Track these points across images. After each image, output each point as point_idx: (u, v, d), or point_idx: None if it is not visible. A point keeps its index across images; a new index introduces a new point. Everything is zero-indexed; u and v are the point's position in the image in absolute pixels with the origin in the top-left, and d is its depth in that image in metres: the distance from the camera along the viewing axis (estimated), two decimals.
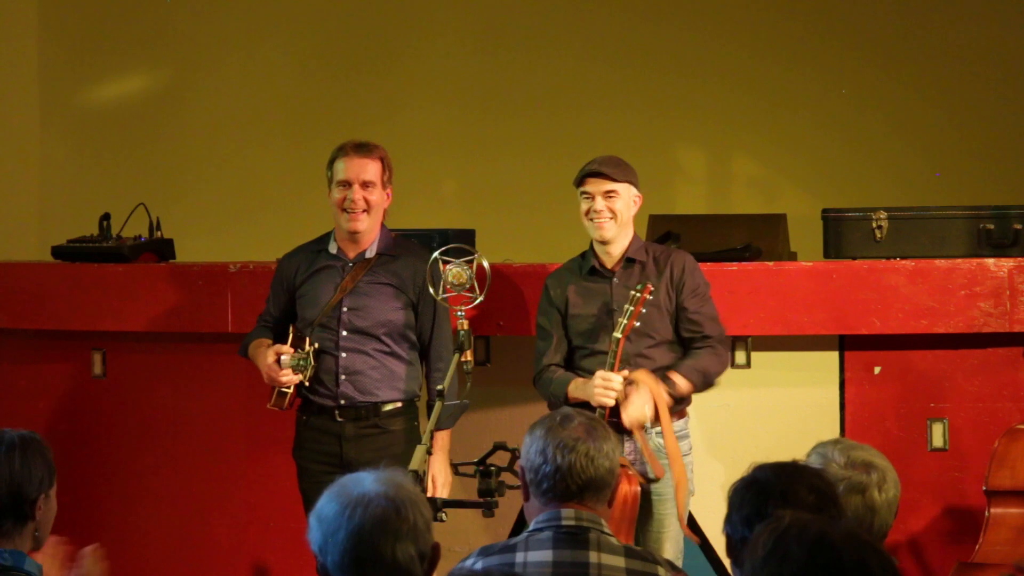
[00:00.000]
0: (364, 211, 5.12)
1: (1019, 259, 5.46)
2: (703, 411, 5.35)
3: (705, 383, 5.03)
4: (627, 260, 5.07)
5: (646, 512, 4.98)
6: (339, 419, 5.12)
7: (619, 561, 3.32)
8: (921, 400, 5.55)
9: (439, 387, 4.61)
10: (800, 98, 8.00)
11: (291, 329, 5.18)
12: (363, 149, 5.14)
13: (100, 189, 7.76)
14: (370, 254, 5.18)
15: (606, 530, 3.36)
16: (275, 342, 5.19)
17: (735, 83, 7.98)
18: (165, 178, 7.96)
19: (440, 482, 5.07)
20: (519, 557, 3.31)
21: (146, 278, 5.91)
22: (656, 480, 4.93)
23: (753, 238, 5.70)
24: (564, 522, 3.33)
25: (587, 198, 5.03)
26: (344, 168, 5.12)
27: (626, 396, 4.85)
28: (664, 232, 5.58)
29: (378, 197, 5.14)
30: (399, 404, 5.15)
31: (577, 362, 5.11)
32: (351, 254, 5.20)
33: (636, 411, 4.85)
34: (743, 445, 5.50)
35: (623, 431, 4.85)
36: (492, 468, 4.06)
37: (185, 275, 5.88)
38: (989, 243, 5.60)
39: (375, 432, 5.12)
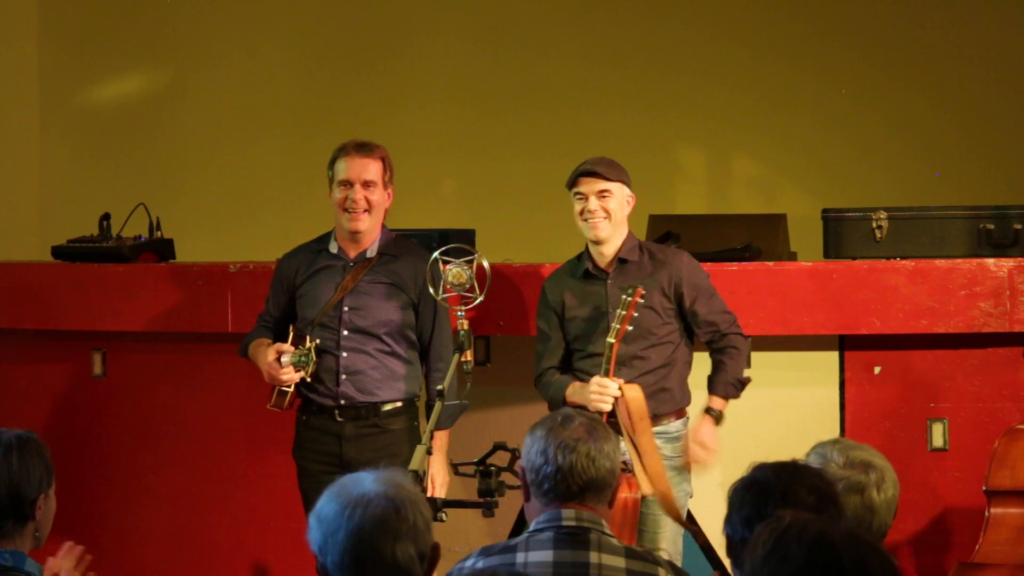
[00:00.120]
0: (365, 211, 5.12)
1: (1019, 259, 5.46)
2: (702, 411, 5.34)
3: (741, 386, 5.11)
4: (620, 261, 5.07)
5: (641, 514, 4.99)
6: (339, 419, 5.12)
7: (620, 562, 3.32)
8: (921, 400, 5.55)
9: (439, 387, 4.61)
10: (800, 98, 8.00)
11: (291, 329, 5.18)
12: (364, 149, 5.14)
13: (100, 189, 7.76)
14: (371, 254, 5.18)
15: (607, 531, 3.36)
16: (275, 342, 5.19)
17: (735, 83, 7.98)
18: (165, 178, 7.95)
19: (439, 482, 5.07)
20: (519, 557, 3.31)
21: (146, 278, 5.91)
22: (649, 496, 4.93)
23: (753, 238, 5.71)
24: (565, 522, 3.33)
25: (580, 199, 5.03)
26: (345, 168, 5.12)
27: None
28: (664, 232, 5.58)
29: (379, 197, 5.14)
30: (399, 404, 5.15)
31: (575, 364, 5.11)
32: (352, 254, 5.20)
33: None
34: (743, 445, 5.50)
35: (619, 432, 4.85)
36: (492, 468, 4.06)
37: (185, 275, 5.88)
38: (989, 243, 5.60)
39: (375, 432, 5.12)
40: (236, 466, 5.94)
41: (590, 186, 5.02)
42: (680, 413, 5.09)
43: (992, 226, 5.61)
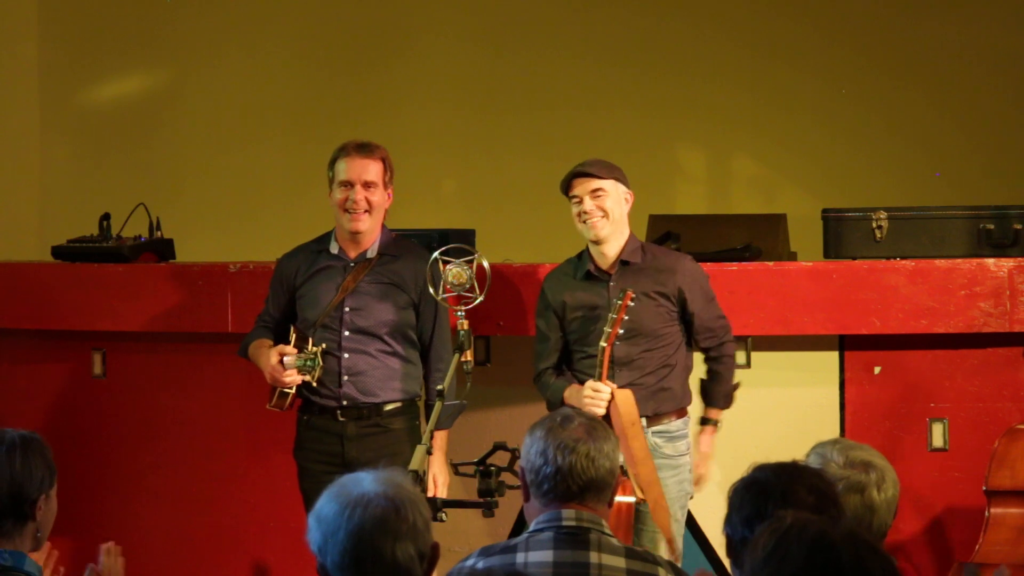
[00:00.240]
0: (366, 211, 5.12)
1: (1019, 259, 5.46)
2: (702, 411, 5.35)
3: (734, 393, 5.22)
4: (622, 263, 5.06)
5: (641, 512, 4.99)
6: (341, 419, 5.12)
7: (620, 562, 3.32)
8: (921, 400, 5.55)
9: (439, 387, 4.61)
10: (800, 98, 8.00)
11: (292, 329, 5.18)
12: (365, 149, 5.14)
13: (100, 189, 7.76)
14: (371, 254, 5.18)
15: (607, 531, 3.36)
16: (275, 342, 5.19)
17: (735, 83, 7.98)
18: (165, 178, 7.95)
19: (441, 481, 5.07)
20: (520, 557, 3.31)
21: (146, 278, 5.91)
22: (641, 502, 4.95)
23: (753, 238, 5.70)
24: (565, 523, 3.33)
25: (576, 201, 5.03)
26: (346, 168, 5.12)
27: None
28: (664, 232, 5.57)
29: (380, 198, 5.14)
30: (401, 403, 5.15)
31: (575, 365, 5.11)
32: (352, 254, 5.20)
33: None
34: (743, 445, 5.50)
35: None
36: (492, 468, 4.06)
37: (185, 275, 5.88)
38: (989, 243, 5.60)
39: (377, 431, 5.12)
40: (236, 466, 5.94)
41: (583, 187, 5.01)
42: (681, 412, 5.10)
43: (992, 226, 5.61)
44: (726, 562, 3.07)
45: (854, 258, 5.63)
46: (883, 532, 3.31)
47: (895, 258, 5.58)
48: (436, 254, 4.77)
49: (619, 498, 4.65)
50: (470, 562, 3.35)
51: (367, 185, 5.11)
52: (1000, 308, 5.42)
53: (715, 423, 5.19)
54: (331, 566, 2.72)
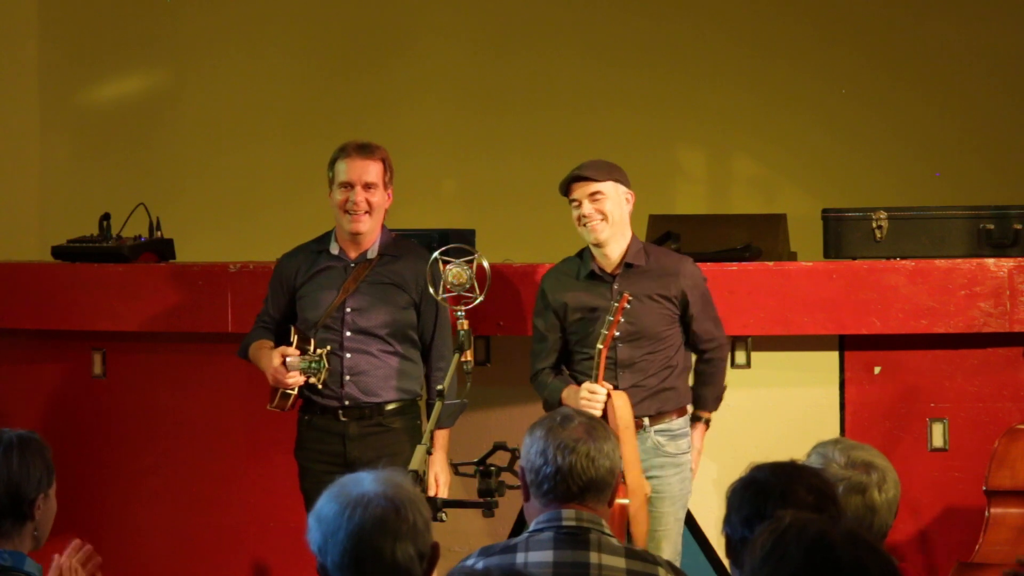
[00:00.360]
0: (366, 212, 5.12)
1: (1019, 259, 5.46)
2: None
3: (721, 399, 5.25)
4: (626, 265, 5.06)
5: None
6: (343, 419, 5.12)
7: (620, 562, 3.32)
8: (921, 400, 5.55)
9: (439, 387, 4.61)
10: (800, 98, 8.00)
11: (293, 330, 5.17)
12: (365, 150, 5.14)
13: (100, 189, 7.76)
14: (372, 255, 5.18)
15: (607, 531, 3.36)
16: (276, 343, 5.19)
17: (735, 83, 7.98)
18: (165, 178, 7.95)
19: (443, 480, 5.08)
20: (520, 558, 3.31)
21: (146, 278, 5.91)
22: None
23: (753, 238, 5.70)
24: (565, 522, 3.32)
25: (575, 205, 5.03)
26: (346, 169, 5.12)
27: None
28: (664, 232, 5.57)
29: (380, 198, 5.15)
30: (402, 403, 5.15)
31: (575, 366, 5.11)
32: (353, 255, 5.20)
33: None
34: (743, 445, 5.50)
35: None
36: (492, 468, 4.05)
37: (185, 275, 5.88)
38: (989, 243, 5.60)
39: (379, 431, 5.12)
40: (236, 466, 5.94)
41: (582, 190, 5.01)
42: (682, 411, 5.12)
43: (992, 226, 5.60)
44: (726, 562, 3.07)
45: (854, 258, 5.63)
46: (884, 532, 3.31)
47: (895, 258, 5.58)
48: (436, 254, 4.76)
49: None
50: (470, 562, 3.35)
51: (367, 186, 5.11)
52: (1000, 308, 5.42)
53: (706, 421, 5.22)
54: (331, 566, 2.72)
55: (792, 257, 5.85)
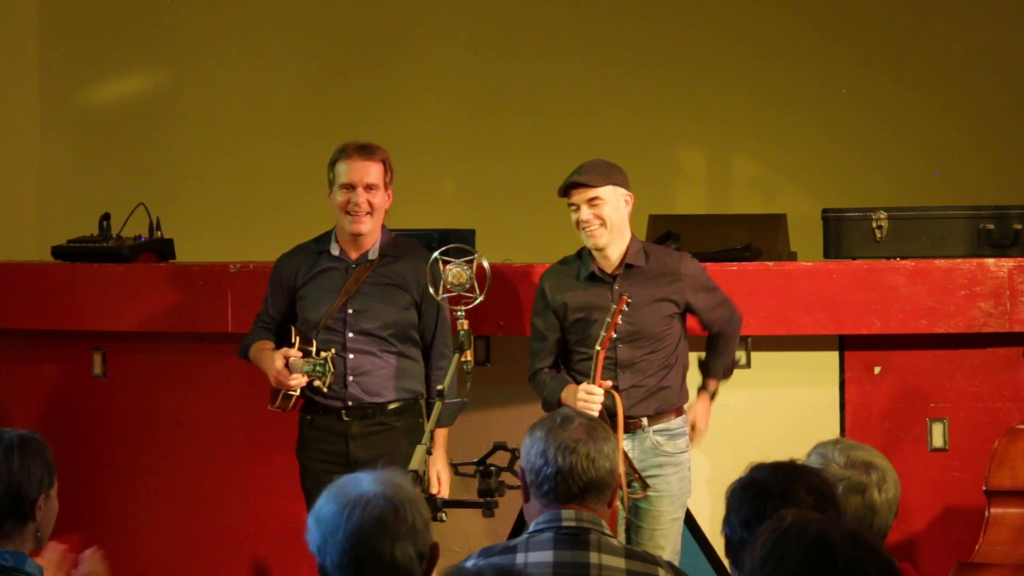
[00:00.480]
0: (368, 214, 5.12)
1: (1019, 259, 5.46)
2: None
3: (733, 369, 5.28)
4: (626, 266, 5.06)
5: (640, 509, 5.01)
6: (345, 419, 5.13)
7: (619, 562, 3.32)
8: (921, 400, 5.55)
9: (439, 387, 4.61)
10: (801, 98, 8.00)
11: (293, 331, 5.17)
12: (366, 151, 5.14)
13: (100, 189, 7.76)
14: (372, 255, 5.19)
15: (606, 531, 3.36)
16: (276, 343, 5.20)
17: (735, 83, 7.98)
18: (165, 178, 7.95)
19: (445, 479, 5.08)
20: (519, 558, 3.31)
21: (146, 278, 5.91)
22: (641, 495, 4.97)
23: (753, 238, 5.70)
24: (564, 523, 3.33)
25: (574, 209, 5.03)
26: (347, 171, 5.12)
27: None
28: (664, 232, 5.57)
29: (381, 199, 5.15)
30: (404, 402, 5.16)
31: (574, 366, 5.11)
32: (353, 255, 5.20)
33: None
34: (743, 445, 5.50)
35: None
36: (492, 468, 4.06)
37: (185, 275, 5.88)
38: (989, 243, 5.60)
39: (381, 430, 5.13)
40: (236, 466, 5.94)
41: (580, 196, 5.00)
42: (679, 411, 5.12)
43: (992, 226, 5.60)
44: (726, 562, 3.07)
45: (854, 258, 5.63)
46: (884, 532, 3.31)
47: (895, 258, 5.58)
48: (436, 254, 4.76)
49: None
50: (470, 563, 3.34)
51: (369, 187, 5.12)
52: (1000, 308, 5.42)
53: (712, 393, 5.23)
54: (330, 566, 2.72)
55: (792, 257, 5.85)
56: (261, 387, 5.26)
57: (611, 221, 5.00)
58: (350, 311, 5.14)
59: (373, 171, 5.13)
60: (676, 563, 4.86)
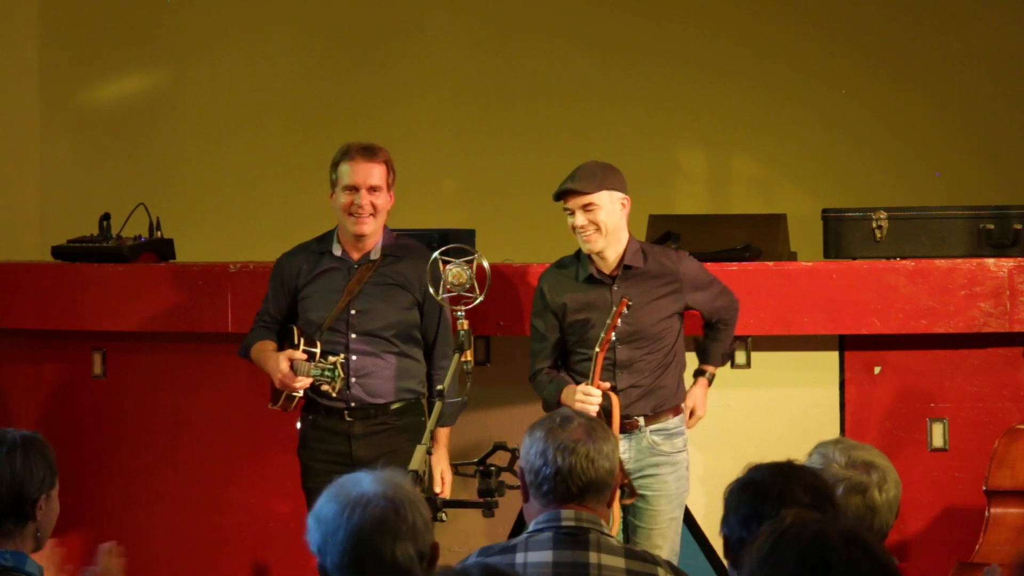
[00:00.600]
0: (371, 215, 5.13)
1: (1019, 259, 5.46)
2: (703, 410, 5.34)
3: (731, 355, 5.32)
4: (625, 267, 5.06)
5: (638, 509, 5.02)
6: (348, 419, 5.13)
7: (619, 562, 3.32)
8: (921, 400, 5.55)
9: (439, 387, 4.62)
10: (801, 98, 8.00)
11: (296, 331, 5.17)
12: (369, 152, 5.15)
13: (100, 189, 7.76)
14: (375, 255, 5.19)
15: (606, 531, 3.36)
16: (277, 342, 5.20)
17: (736, 83, 7.97)
18: (165, 178, 7.95)
19: (448, 479, 5.09)
20: (519, 558, 3.32)
21: (146, 278, 5.91)
22: (631, 501, 4.98)
23: (753, 238, 5.70)
24: (564, 523, 3.33)
25: (569, 214, 5.03)
26: (350, 172, 5.12)
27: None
28: (664, 232, 5.57)
29: (384, 201, 5.16)
30: (406, 402, 5.16)
31: (574, 366, 5.11)
32: (355, 256, 5.20)
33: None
34: (743, 445, 5.50)
35: None
36: (492, 468, 4.06)
37: (185, 275, 5.88)
38: (989, 243, 5.60)
39: (384, 430, 5.13)
40: (236, 466, 5.94)
41: (574, 202, 5.00)
42: (677, 410, 5.12)
43: (992, 226, 5.60)
44: (726, 562, 3.07)
45: (854, 258, 5.63)
46: (884, 532, 3.32)
47: (895, 258, 5.58)
48: (436, 254, 4.77)
49: None
50: (470, 563, 3.35)
51: (372, 189, 5.12)
52: (1000, 308, 5.42)
53: (710, 377, 5.24)
54: (331, 566, 2.72)
55: (792, 257, 5.85)
56: (261, 387, 5.26)
57: (606, 226, 4.99)
58: (352, 312, 5.14)
59: (376, 173, 5.13)
60: (674, 563, 4.87)
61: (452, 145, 8.18)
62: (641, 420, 5.03)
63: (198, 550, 5.99)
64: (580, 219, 4.99)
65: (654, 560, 3.40)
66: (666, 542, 5.04)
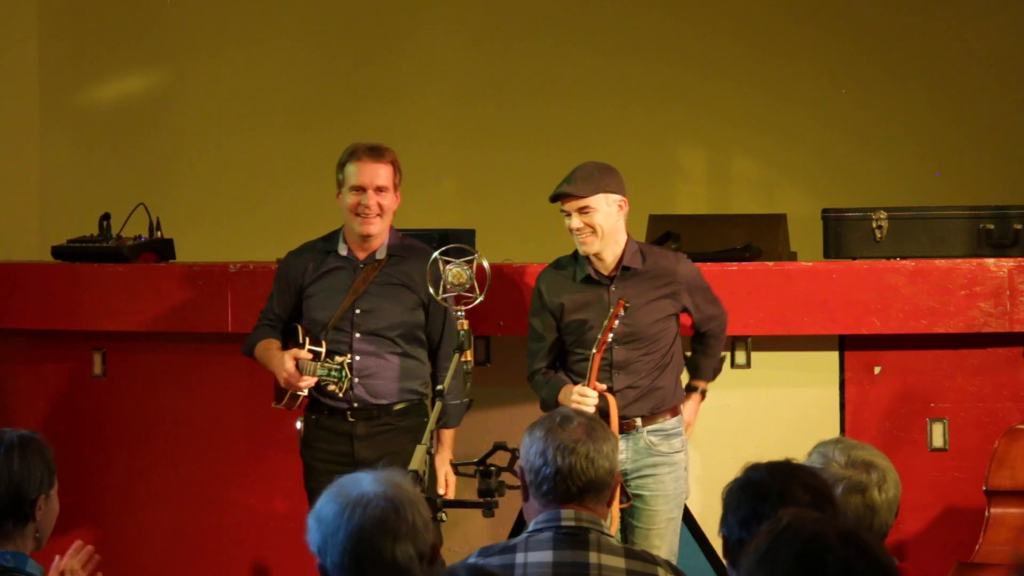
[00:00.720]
0: (378, 215, 5.14)
1: (1019, 259, 5.46)
2: (703, 411, 5.35)
3: (720, 368, 5.32)
4: (624, 268, 5.06)
5: (636, 509, 5.03)
6: (351, 419, 5.13)
7: (619, 562, 3.32)
8: (921, 400, 5.55)
9: (439, 387, 4.63)
10: (801, 98, 8.00)
11: (301, 330, 5.18)
12: (376, 153, 5.16)
13: (100, 189, 7.76)
14: (380, 255, 5.20)
15: (606, 531, 3.36)
16: (281, 341, 5.20)
17: (737, 82, 7.97)
18: (165, 178, 7.95)
19: (451, 481, 5.09)
20: (519, 558, 3.31)
21: (146, 278, 5.91)
22: (627, 505, 4.98)
23: (753, 238, 5.70)
24: (564, 523, 3.33)
25: (566, 215, 5.03)
26: (357, 173, 5.13)
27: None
28: (664, 232, 5.57)
29: (390, 201, 5.17)
30: (410, 403, 5.16)
31: (571, 366, 5.12)
32: (361, 256, 5.21)
33: None
34: (743, 445, 5.50)
35: None
36: (492, 468, 4.06)
37: (185, 275, 5.88)
38: (989, 243, 5.60)
39: (387, 430, 5.13)
40: (236, 466, 5.94)
41: (570, 205, 5.00)
42: (675, 411, 5.12)
43: (992, 226, 5.61)
44: (725, 562, 3.07)
45: (854, 258, 5.63)
46: (884, 532, 3.32)
47: (895, 258, 5.58)
48: (436, 254, 4.77)
49: None
50: (470, 562, 3.35)
51: (379, 190, 5.14)
52: (1000, 308, 5.42)
53: (702, 392, 5.27)
54: (331, 566, 2.72)
55: (792, 257, 5.85)
56: (261, 387, 5.26)
57: (602, 229, 4.99)
58: (357, 311, 5.14)
59: (383, 173, 5.14)
60: (673, 562, 4.87)
61: (451, 143, 8.17)
62: (638, 421, 5.03)
63: (198, 550, 5.99)
64: (576, 222, 4.99)
65: (654, 560, 3.40)
66: (664, 542, 5.04)
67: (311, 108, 8.12)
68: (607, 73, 8.09)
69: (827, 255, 5.70)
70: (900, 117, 7.92)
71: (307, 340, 5.13)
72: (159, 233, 6.03)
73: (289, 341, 5.19)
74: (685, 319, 5.18)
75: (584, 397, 4.88)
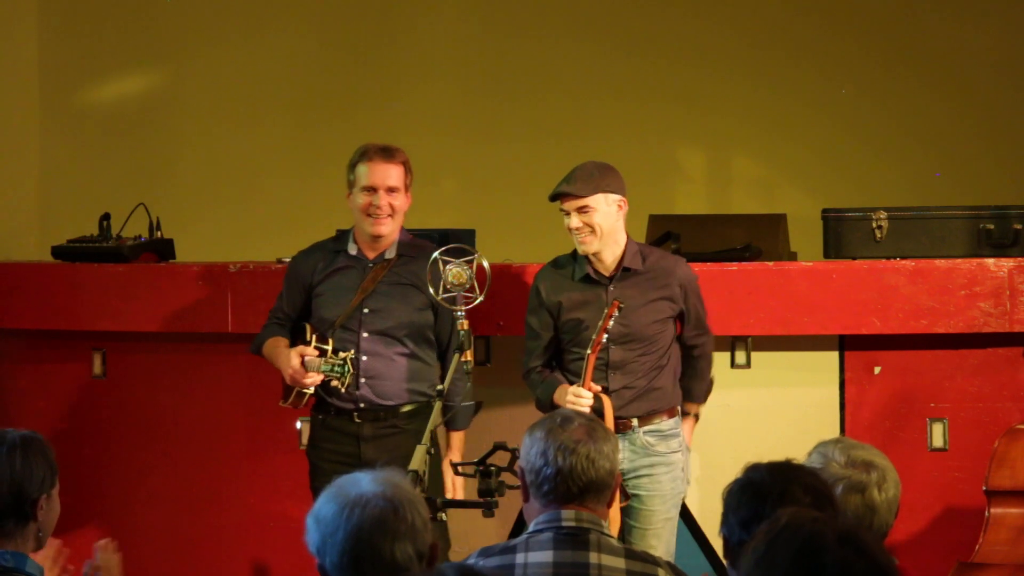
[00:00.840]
0: (389, 216, 5.15)
1: (1019, 259, 5.46)
2: (703, 411, 5.35)
3: (711, 389, 5.30)
4: (624, 269, 5.06)
5: (633, 509, 5.03)
6: (357, 420, 5.13)
7: (619, 562, 3.32)
8: (921, 400, 5.55)
9: (439, 387, 4.63)
10: (801, 97, 7.99)
11: (308, 328, 5.19)
12: (387, 154, 5.17)
13: (100, 189, 7.76)
14: (390, 255, 5.21)
15: (606, 531, 3.36)
16: (290, 339, 5.20)
17: (738, 82, 7.97)
18: (165, 178, 7.95)
19: (458, 484, 5.07)
20: (519, 558, 3.32)
21: (146, 278, 5.91)
22: (625, 504, 4.99)
23: (753, 238, 5.70)
24: (564, 523, 3.33)
25: (565, 215, 5.03)
26: (368, 173, 5.14)
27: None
28: (664, 232, 5.57)
29: (402, 202, 5.19)
30: (417, 405, 5.16)
31: (567, 365, 5.12)
32: (371, 255, 5.21)
33: None
34: (743, 445, 5.50)
35: None
36: (492, 468, 4.06)
37: (185, 275, 5.88)
38: (989, 243, 5.60)
39: (394, 432, 5.13)
40: (236, 466, 5.94)
41: (569, 204, 5.00)
42: (672, 412, 5.12)
43: (992, 226, 5.61)
44: (725, 562, 3.07)
45: (854, 258, 5.63)
46: (884, 532, 3.32)
47: (895, 258, 5.58)
48: (436, 254, 4.77)
49: None
50: (470, 563, 3.35)
51: (390, 190, 5.15)
52: (1000, 308, 5.42)
53: (695, 416, 5.27)
54: (330, 566, 2.72)
55: (792, 257, 5.85)
56: (261, 387, 5.26)
57: (601, 228, 4.99)
58: (365, 310, 5.15)
59: (394, 174, 5.15)
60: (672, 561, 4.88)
61: (451, 142, 8.16)
62: (635, 421, 5.03)
63: (198, 550, 5.99)
64: (575, 221, 4.99)
65: (654, 560, 3.40)
66: (661, 542, 5.04)
67: (311, 107, 8.11)
68: (608, 72, 8.09)
69: (827, 255, 5.70)
70: (901, 117, 7.92)
71: (314, 338, 5.14)
72: (159, 233, 6.03)
73: (297, 340, 5.20)
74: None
75: (579, 398, 4.89)
